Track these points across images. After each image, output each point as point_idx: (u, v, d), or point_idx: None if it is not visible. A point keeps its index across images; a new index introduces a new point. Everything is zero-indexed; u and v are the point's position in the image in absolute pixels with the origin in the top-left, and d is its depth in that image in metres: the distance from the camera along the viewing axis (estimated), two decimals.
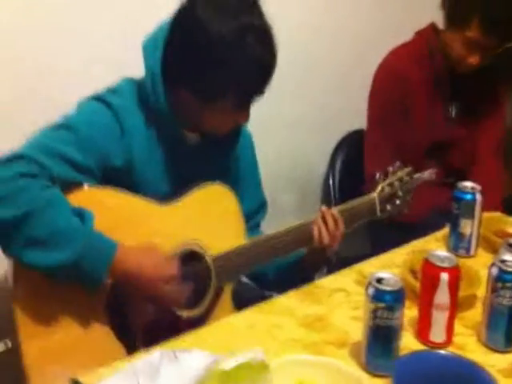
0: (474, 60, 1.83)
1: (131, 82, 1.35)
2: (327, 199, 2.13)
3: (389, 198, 1.53)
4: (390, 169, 1.53)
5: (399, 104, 1.90)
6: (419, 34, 1.98)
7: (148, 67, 1.29)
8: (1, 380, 1.41)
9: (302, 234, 1.42)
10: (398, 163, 1.55)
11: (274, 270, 1.54)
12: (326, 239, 1.40)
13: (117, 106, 1.27)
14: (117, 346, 1.22)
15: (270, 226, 2.06)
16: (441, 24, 1.94)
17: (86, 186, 1.23)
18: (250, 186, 1.53)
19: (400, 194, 1.54)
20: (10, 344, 1.21)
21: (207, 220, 1.35)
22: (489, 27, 1.76)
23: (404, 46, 1.99)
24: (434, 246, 1.50)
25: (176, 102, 1.30)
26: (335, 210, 1.44)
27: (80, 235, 1.14)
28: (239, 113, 1.33)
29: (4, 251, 1.15)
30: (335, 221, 1.42)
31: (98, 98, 1.29)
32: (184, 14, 1.27)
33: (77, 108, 1.30)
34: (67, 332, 1.18)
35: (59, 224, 1.13)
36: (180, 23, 1.27)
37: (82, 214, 1.17)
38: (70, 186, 1.21)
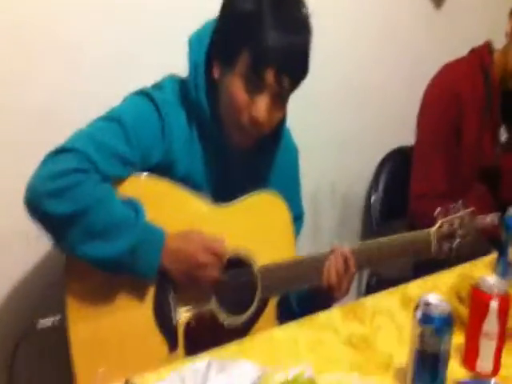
0: None
1: (175, 78, 1.36)
2: (368, 217, 2.11)
3: (446, 237, 1.47)
4: (452, 206, 1.47)
5: (452, 121, 1.83)
6: (474, 51, 1.92)
7: (191, 59, 1.30)
8: (47, 355, 1.43)
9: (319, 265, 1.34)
10: (460, 202, 1.49)
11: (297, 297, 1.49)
12: (332, 279, 1.32)
13: (159, 100, 1.27)
14: (160, 344, 1.22)
15: (310, 242, 2.08)
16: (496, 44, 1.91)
17: (143, 176, 1.24)
18: (288, 195, 1.48)
19: (459, 233, 1.48)
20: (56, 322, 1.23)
21: (258, 229, 1.34)
22: None
23: (457, 62, 1.93)
24: (482, 271, 1.47)
25: (215, 97, 1.29)
26: (347, 249, 1.34)
27: (134, 226, 1.17)
28: (255, 89, 1.24)
29: (57, 244, 1.17)
30: (345, 261, 1.33)
31: (142, 93, 1.30)
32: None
33: (122, 101, 1.32)
34: (114, 322, 1.19)
35: (114, 217, 1.16)
36: (223, 15, 1.28)
37: (134, 206, 1.19)
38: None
